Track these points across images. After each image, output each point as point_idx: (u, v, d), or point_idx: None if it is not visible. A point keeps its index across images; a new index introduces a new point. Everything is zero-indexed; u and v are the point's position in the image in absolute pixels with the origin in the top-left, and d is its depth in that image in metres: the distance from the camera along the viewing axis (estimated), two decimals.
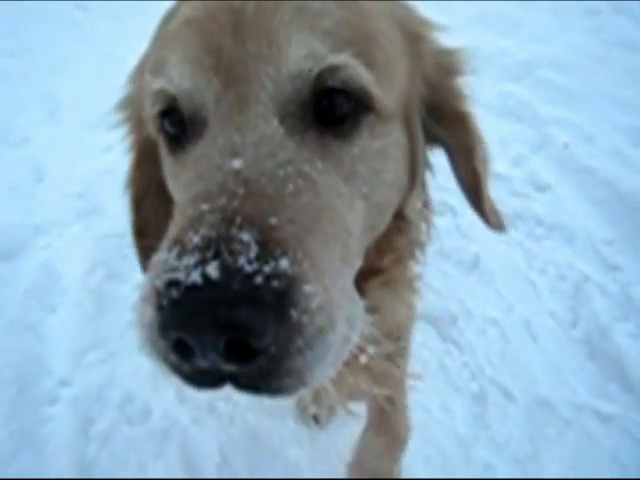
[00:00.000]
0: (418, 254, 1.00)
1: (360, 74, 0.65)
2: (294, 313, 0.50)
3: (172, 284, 0.49)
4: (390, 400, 1.32)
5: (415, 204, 0.94)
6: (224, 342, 0.48)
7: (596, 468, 1.47)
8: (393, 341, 1.10)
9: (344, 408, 1.20)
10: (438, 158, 0.92)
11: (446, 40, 0.83)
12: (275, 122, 0.62)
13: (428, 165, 0.91)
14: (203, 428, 1.64)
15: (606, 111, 2.76)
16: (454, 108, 0.82)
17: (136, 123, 0.90)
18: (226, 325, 0.47)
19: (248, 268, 0.49)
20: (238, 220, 0.52)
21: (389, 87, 0.71)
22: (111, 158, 2.64)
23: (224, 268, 0.48)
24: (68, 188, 2.65)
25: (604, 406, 1.59)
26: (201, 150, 0.64)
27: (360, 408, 1.31)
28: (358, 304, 0.65)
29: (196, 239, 0.51)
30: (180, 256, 0.51)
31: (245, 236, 0.51)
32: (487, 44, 3.34)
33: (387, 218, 0.81)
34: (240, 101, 0.62)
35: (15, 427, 1.67)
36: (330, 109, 0.66)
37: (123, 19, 4.42)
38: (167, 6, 0.80)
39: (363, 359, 0.90)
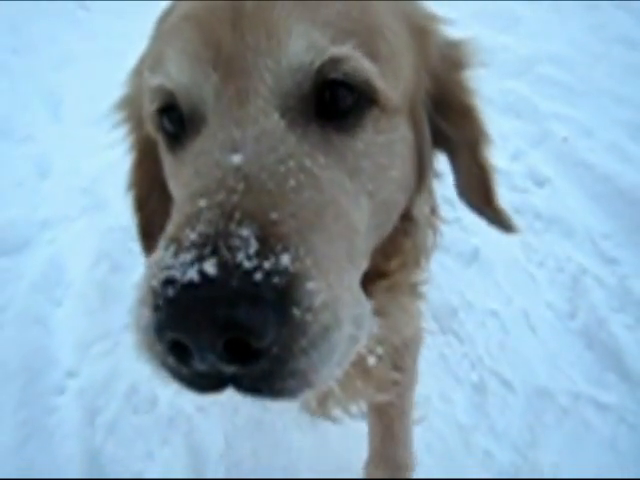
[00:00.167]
0: (423, 261, 0.98)
1: (363, 66, 0.63)
2: (297, 311, 0.47)
3: (168, 283, 0.47)
4: (391, 433, 1.29)
5: (423, 208, 0.91)
6: (223, 342, 0.46)
7: (593, 455, 1.50)
8: (398, 364, 1.09)
9: (346, 411, 1.17)
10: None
11: (451, 33, 0.82)
12: (276, 116, 0.60)
13: (435, 173, 0.88)
14: (208, 416, 1.67)
15: (605, 106, 2.78)
16: (460, 101, 0.80)
17: (136, 122, 0.89)
18: (224, 324, 0.45)
19: (247, 264, 0.46)
20: (237, 215, 0.50)
21: (394, 80, 0.69)
22: (115, 154, 2.66)
23: (222, 265, 0.46)
24: (73, 183, 2.69)
25: (601, 395, 1.62)
26: (200, 146, 0.62)
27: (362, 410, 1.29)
28: (365, 305, 0.63)
29: (193, 236, 0.49)
30: (176, 254, 0.48)
31: (244, 231, 0.49)
32: (487, 40, 3.35)
33: (394, 218, 0.79)
34: (240, 95, 0.60)
35: (24, 416, 1.71)
36: (332, 103, 0.64)
37: (125, 17, 4.43)
38: (168, 3, 0.79)
39: (372, 360, 0.88)
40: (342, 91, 0.64)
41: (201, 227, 0.49)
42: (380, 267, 0.84)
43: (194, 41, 0.63)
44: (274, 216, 0.51)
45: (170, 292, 0.47)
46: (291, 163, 0.58)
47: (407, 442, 1.36)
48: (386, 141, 0.69)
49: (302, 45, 0.61)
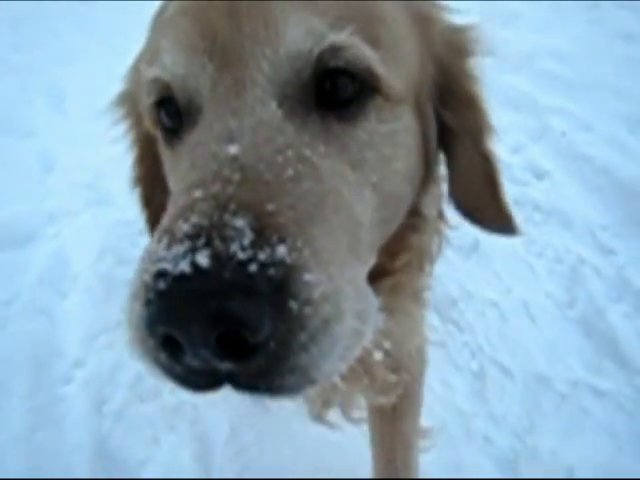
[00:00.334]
0: (427, 266, 0.95)
1: (364, 53, 0.62)
2: (294, 304, 0.46)
3: (160, 276, 0.46)
4: (392, 464, 1.26)
5: (430, 206, 0.88)
6: (215, 336, 0.44)
7: (590, 440, 1.53)
8: (402, 386, 1.07)
9: (347, 416, 1.15)
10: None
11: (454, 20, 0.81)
12: (273, 105, 0.59)
13: (442, 178, 0.85)
14: (213, 404, 1.71)
15: (605, 101, 2.80)
16: (465, 90, 0.77)
17: (136, 119, 0.88)
18: (216, 317, 0.43)
19: (241, 255, 0.45)
20: (232, 206, 0.48)
21: (396, 68, 0.67)
22: (119, 148, 2.70)
23: (215, 256, 0.44)
24: (77, 178, 2.72)
25: (598, 382, 1.64)
26: (196, 138, 0.60)
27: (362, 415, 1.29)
28: (372, 300, 0.61)
29: (186, 227, 0.48)
30: (169, 246, 0.47)
31: (239, 222, 0.47)
32: (488, 35, 3.36)
33: (401, 212, 0.76)
34: (236, 85, 0.59)
35: (32, 405, 1.75)
36: (333, 92, 0.62)
37: (127, 12, 4.45)
38: None
39: (378, 356, 0.86)
40: (343, 80, 0.62)
41: (195, 218, 0.48)
42: (385, 265, 0.82)
43: (190, 32, 0.62)
44: (271, 207, 0.49)
45: (161, 285, 0.45)
46: (289, 153, 0.56)
47: (412, 474, 1.31)
48: (390, 131, 0.67)
49: (300, 32, 0.60)
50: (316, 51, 0.60)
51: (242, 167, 0.53)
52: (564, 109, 2.76)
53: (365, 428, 1.35)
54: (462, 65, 0.77)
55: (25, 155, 2.96)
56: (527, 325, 1.86)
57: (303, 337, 0.47)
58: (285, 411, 1.66)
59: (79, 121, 3.06)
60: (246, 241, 0.46)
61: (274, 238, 0.47)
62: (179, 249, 0.46)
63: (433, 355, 1.76)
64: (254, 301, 0.44)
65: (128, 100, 0.89)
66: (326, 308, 0.48)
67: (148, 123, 0.76)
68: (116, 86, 0.92)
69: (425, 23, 0.75)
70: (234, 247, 0.45)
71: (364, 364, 0.90)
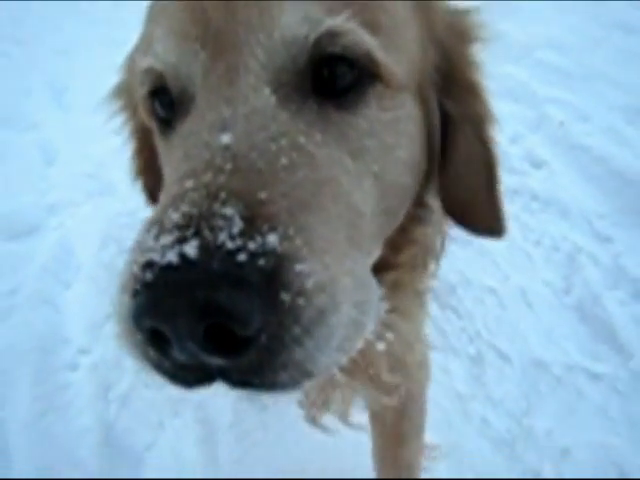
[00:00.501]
0: (431, 265, 0.93)
1: (363, 39, 0.60)
2: (286, 296, 0.44)
3: (147, 266, 0.44)
4: (394, 436, 1.24)
5: (435, 199, 0.85)
6: (202, 329, 0.42)
7: (585, 421, 1.57)
8: (403, 402, 1.06)
9: (344, 420, 1.12)
10: None
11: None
12: (267, 92, 0.57)
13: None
14: (217, 390, 1.74)
15: (602, 91, 2.82)
16: (466, 76, 0.75)
17: (132, 111, 0.87)
18: (203, 308, 0.41)
19: (230, 245, 0.43)
20: (222, 195, 0.47)
21: (397, 54, 0.65)
22: (120, 139, 2.72)
23: (203, 246, 0.43)
24: (79, 169, 2.74)
25: (594, 366, 1.68)
26: (189, 127, 0.59)
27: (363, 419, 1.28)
28: (374, 291, 0.59)
29: (175, 217, 0.46)
30: (158, 236, 0.46)
31: (228, 211, 0.45)
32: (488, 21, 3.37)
33: (405, 203, 0.74)
34: (229, 72, 0.57)
35: (39, 392, 1.78)
36: (331, 79, 0.60)
37: (127, 4, 4.45)
38: None
39: (381, 346, 0.83)
40: (341, 67, 0.60)
41: (184, 208, 0.47)
42: (389, 259, 0.80)
43: (182, 19, 0.61)
44: (262, 195, 0.48)
45: (148, 276, 0.44)
46: (283, 141, 0.54)
47: (414, 468, 1.30)
48: (391, 119, 0.65)
49: (296, 17, 0.58)
50: (312, 37, 0.58)
51: (234, 156, 0.51)
52: (562, 99, 2.78)
53: (366, 423, 1.31)
54: (464, 51, 0.76)
55: (27, 148, 2.99)
56: (524, 311, 1.89)
57: (296, 330, 0.45)
58: (287, 397, 1.70)
59: (80, 113, 3.07)
60: (235, 230, 0.44)
61: (265, 227, 0.45)
62: (167, 239, 0.45)
63: (432, 341, 1.79)
64: (243, 292, 0.42)
65: (125, 92, 0.88)
66: (321, 298, 0.46)
67: (143, 114, 0.74)
68: (116, 78, 0.92)
69: (426, 7, 0.73)
70: (223, 236, 0.44)
71: (366, 356, 0.88)
